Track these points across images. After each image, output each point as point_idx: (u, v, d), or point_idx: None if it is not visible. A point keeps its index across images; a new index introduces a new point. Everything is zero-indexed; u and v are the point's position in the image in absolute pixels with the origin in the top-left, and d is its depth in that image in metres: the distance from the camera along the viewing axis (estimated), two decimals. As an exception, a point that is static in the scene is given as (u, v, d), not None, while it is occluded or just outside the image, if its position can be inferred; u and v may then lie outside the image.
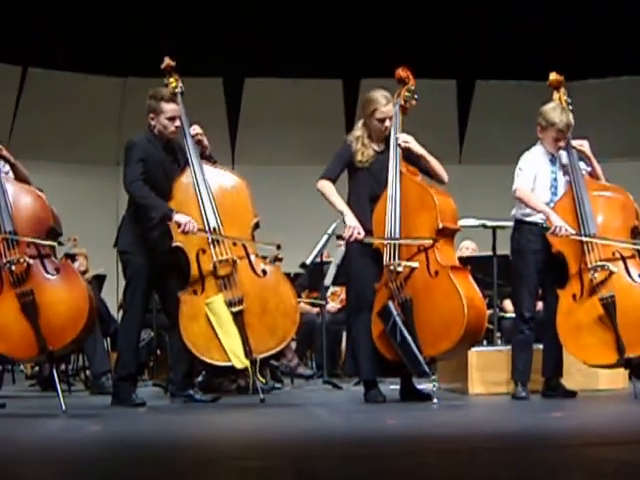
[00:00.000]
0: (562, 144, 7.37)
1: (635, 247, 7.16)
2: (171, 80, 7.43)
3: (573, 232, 7.09)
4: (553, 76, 7.66)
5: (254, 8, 12.83)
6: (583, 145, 7.46)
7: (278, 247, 7.28)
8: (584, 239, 7.07)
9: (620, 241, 7.12)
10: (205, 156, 7.36)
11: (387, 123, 7.25)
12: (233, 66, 14.10)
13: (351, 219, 7.12)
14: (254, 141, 14.72)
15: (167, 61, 7.49)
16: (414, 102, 7.40)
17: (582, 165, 7.43)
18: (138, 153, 7.14)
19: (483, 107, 15.15)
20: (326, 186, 7.25)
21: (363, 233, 7.09)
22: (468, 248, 10.71)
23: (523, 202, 7.31)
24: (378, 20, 12.88)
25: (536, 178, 7.37)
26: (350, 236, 7.08)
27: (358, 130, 7.36)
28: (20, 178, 7.02)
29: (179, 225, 6.95)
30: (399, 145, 7.25)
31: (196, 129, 7.30)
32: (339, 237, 7.65)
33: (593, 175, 7.48)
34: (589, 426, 5.82)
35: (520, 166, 7.42)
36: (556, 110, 7.38)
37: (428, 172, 7.38)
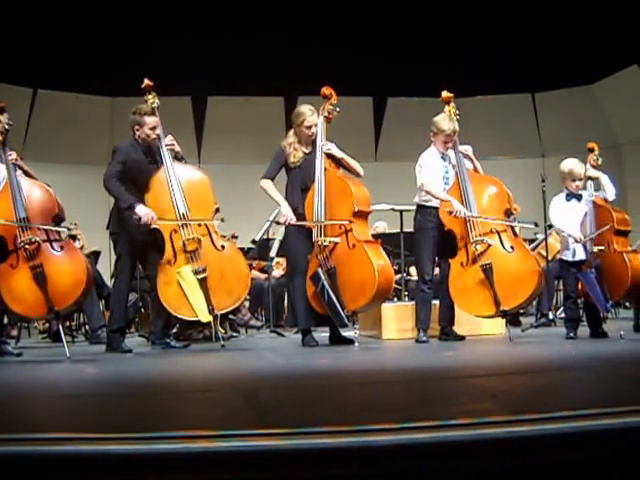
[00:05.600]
0: (449, 145, 7.45)
1: (506, 224, 7.26)
2: (149, 97, 7.37)
3: (469, 213, 7.16)
4: (444, 94, 7.72)
5: (220, 43, 12.81)
6: (467, 150, 7.54)
7: (222, 220, 7.21)
8: (473, 218, 7.14)
9: (496, 219, 7.22)
10: (177, 158, 7.32)
11: (313, 130, 7.31)
12: (199, 87, 14.09)
13: (286, 208, 7.21)
14: (215, 145, 14.70)
15: (146, 81, 7.43)
16: (336, 113, 7.43)
17: (467, 163, 7.51)
18: (120, 157, 7.10)
19: (393, 118, 15.23)
20: (266, 184, 7.33)
21: (294, 219, 7.16)
22: (379, 226, 10.80)
23: (430, 194, 7.36)
24: (312, 51, 12.86)
25: (432, 172, 7.43)
26: (285, 221, 7.18)
27: (290, 137, 7.41)
28: (31, 177, 6.98)
29: (140, 217, 6.93)
30: (324, 152, 7.30)
31: (168, 140, 7.25)
32: (277, 223, 7.69)
33: (475, 170, 7.56)
34: (474, 362, 5.87)
35: (420, 164, 7.47)
36: (445, 119, 7.45)
37: (348, 169, 7.44)
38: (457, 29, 13.01)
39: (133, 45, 12.53)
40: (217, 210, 7.18)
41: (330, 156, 7.35)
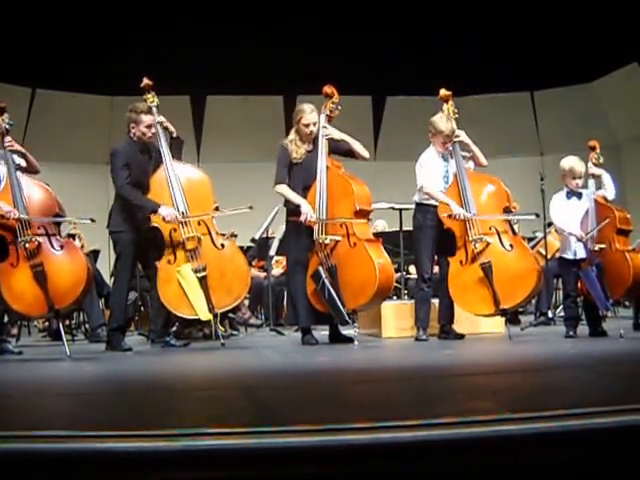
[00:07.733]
0: (449, 146, 7.45)
1: (506, 219, 7.25)
2: (149, 96, 7.34)
3: (469, 216, 7.15)
4: (443, 92, 7.69)
5: (219, 42, 12.82)
6: (460, 135, 7.52)
7: (250, 207, 7.17)
8: (473, 218, 7.14)
9: (495, 216, 7.22)
10: (173, 138, 7.28)
11: (312, 127, 7.31)
12: (198, 86, 14.10)
13: (306, 207, 7.15)
14: (214, 144, 14.71)
15: (145, 80, 7.39)
16: (337, 112, 7.42)
17: (465, 155, 7.51)
18: (121, 160, 7.09)
19: (392, 116, 15.23)
20: (283, 188, 7.31)
21: (314, 216, 7.13)
22: (379, 225, 10.80)
23: (429, 195, 7.36)
24: (311, 50, 12.86)
25: (432, 172, 7.43)
26: (305, 219, 7.12)
27: (291, 135, 7.41)
28: (32, 166, 6.93)
29: (164, 217, 6.94)
30: (326, 139, 7.31)
31: (160, 118, 7.22)
32: (293, 221, 7.44)
33: (474, 158, 7.56)
34: (473, 360, 5.90)
35: (421, 164, 7.47)
36: (442, 120, 7.44)
37: (353, 153, 7.43)
38: (456, 27, 13.01)
39: (132, 44, 12.53)
40: (216, 208, 7.18)
41: (332, 145, 7.37)
